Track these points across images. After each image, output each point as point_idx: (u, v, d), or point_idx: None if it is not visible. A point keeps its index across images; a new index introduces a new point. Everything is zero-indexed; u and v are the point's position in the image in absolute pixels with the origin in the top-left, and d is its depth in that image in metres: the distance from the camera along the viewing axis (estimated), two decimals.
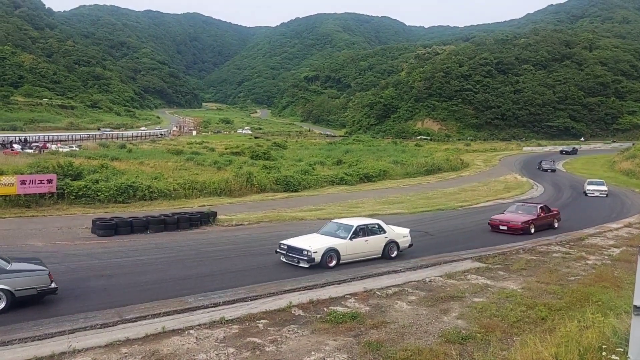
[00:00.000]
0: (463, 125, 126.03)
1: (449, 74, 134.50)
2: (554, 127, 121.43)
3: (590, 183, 38.58)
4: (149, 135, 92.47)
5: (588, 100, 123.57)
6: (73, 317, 9.84)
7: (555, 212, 23.71)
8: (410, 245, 16.97)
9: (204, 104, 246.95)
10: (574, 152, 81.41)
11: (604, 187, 37.44)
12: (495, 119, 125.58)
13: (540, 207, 22.98)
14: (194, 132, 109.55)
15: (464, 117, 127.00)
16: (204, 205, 24.79)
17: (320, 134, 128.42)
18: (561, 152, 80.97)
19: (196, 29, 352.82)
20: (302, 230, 19.94)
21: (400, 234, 16.92)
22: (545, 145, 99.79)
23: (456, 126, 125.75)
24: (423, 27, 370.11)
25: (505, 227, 21.17)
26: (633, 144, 78.85)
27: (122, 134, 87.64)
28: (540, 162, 57.49)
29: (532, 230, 21.20)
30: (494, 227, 21.72)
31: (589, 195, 36.61)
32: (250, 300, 11.43)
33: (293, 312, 10.74)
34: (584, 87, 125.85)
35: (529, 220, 21.48)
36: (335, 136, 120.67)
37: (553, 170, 55.96)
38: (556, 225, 23.13)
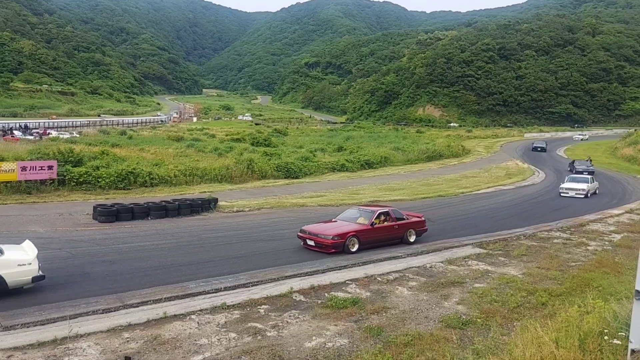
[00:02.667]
0: (465, 111, 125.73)
1: (451, 60, 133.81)
2: (556, 114, 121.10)
3: (572, 179, 31.69)
4: (150, 122, 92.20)
5: (590, 86, 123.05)
6: (75, 302, 9.86)
7: (411, 222, 16.80)
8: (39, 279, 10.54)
9: (204, 90, 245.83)
10: (542, 150, 64.53)
11: (584, 186, 29.98)
12: (497, 105, 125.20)
13: (383, 214, 16.06)
14: (195, 119, 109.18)
15: (465, 104, 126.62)
16: (204, 192, 24.78)
17: (321, 120, 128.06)
18: (534, 149, 65.20)
19: (196, 14, 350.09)
20: (304, 217, 19.98)
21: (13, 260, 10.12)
22: (547, 132, 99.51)
23: (458, 113, 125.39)
24: (425, 12, 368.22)
25: (312, 243, 14.90)
26: (635, 130, 78.60)
27: (123, 120, 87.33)
28: (573, 162, 43.81)
29: (354, 248, 14.82)
30: (304, 243, 15.35)
31: (562, 195, 29.75)
32: (252, 285, 11.46)
33: (294, 297, 10.78)
34: (587, 73, 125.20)
35: (347, 233, 14.87)
36: (336, 123, 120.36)
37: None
38: (412, 238, 16.46)
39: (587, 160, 44.62)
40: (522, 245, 16.53)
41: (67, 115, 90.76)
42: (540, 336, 6.89)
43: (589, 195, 29.73)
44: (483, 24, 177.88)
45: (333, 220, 16.27)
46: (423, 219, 17.27)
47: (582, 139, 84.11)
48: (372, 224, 15.48)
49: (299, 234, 15.45)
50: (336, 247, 14.54)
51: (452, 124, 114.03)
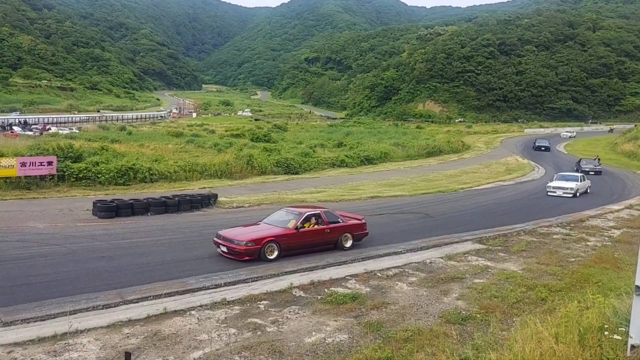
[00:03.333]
0: (465, 107, 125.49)
1: (451, 55, 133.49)
2: (556, 109, 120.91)
3: (561, 177, 30.17)
4: (149, 118, 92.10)
5: (591, 81, 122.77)
6: (75, 298, 9.88)
7: (347, 225, 14.99)
8: None
9: (203, 85, 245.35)
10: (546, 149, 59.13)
11: (572, 185, 28.44)
12: (497, 100, 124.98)
13: (313, 216, 14.36)
14: (194, 114, 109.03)
15: (465, 99, 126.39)
16: (204, 188, 24.78)
17: (321, 116, 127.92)
18: (537, 148, 59.36)
19: (195, 9, 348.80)
20: None
21: None
22: (547, 127, 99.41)
23: (458, 108, 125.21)
24: (425, 7, 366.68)
25: (225, 249, 13.36)
26: (635, 125, 78.60)
27: (122, 116, 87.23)
28: (579, 161, 41.38)
29: (272, 255, 13.26)
30: (219, 249, 13.73)
31: (549, 194, 28.28)
32: (252, 281, 11.48)
33: (294, 293, 10.80)
34: (587, 69, 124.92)
35: (265, 239, 13.25)
36: (336, 118, 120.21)
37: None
38: (348, 244, 14.79)
39: (595, 159, 41.99)
40: (521, 240, 16.54)
41: (66, 111, 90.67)
42: (539, 331, 6.90)
43: (577, 194, 28.20)
44: (483, 19, 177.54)
45: (258, 223, 14.67)
46: (363, 221, 15.50)
47: (570, 137, 77.42)
48: (297, 228, 13.78)
49: (214, 238, 13.72)
50: (250, 255, 12.97)
51: (460, 120, 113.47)
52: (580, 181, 29.38)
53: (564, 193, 27.93)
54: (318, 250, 14.27)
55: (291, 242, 13.67)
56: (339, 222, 14.85)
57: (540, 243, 16.35)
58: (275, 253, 13.36)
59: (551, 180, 30.29)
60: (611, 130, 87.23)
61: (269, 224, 14.26)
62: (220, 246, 13.46)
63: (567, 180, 29.30)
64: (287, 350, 7.96)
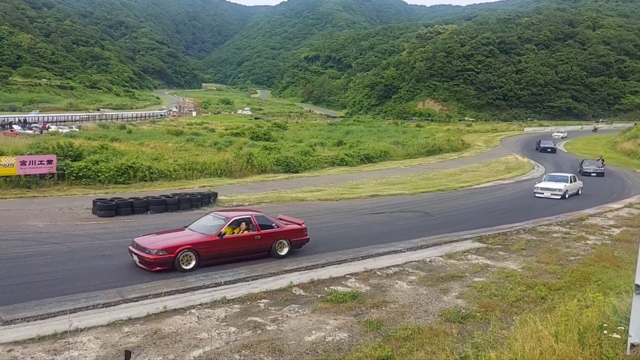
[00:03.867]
0: (464, 105, 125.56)
1: (451, 54, 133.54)
2: (555, 108, 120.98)
3: (550, 178, 28.97)
4: (149, 116, 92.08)
5: (590, 80, 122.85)
6: (75, 296, 9.89)
7: (282, 230, 13.76)
8: None
9: (203, 84, 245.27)
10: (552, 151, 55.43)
11: (560, 186, 27.09)
12: (496, 99, 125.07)
13: (241, 221, 13.24)
14: (194, 113, 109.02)
15: (465, 98, 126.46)
16: (204, 186, 24.78)
17: (321, 114, 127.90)
18: (543, 149, 55.28)
19: (195, 8, 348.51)
20: (304, 211, 19.99)
21: None
22: (547, 126, 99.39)
23: (457, 107, 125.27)
24: (425, 6, 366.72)
25: (137, 259, 12.17)
26: (635, 124, 78.55)
27: (122, 114, 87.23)
28: (582, 162, 39.75)
29: (189, 265, 12.05)
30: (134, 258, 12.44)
31: (537, 196, 27.12)
32: (251, 280, 11.48)
33: (294, 291, 10.80)
34: (587, 67, 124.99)
35: (180, 247, 12.05)
36: (335, 117, 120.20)
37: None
38: (284, 251, 13.69)
39: (598, 160, 40.30)
40: (521, 239, 16.55)
41: (66, 110, 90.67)
42: (539, 330, 6.90)
43: (567, 196, 26.91)
44: (483, 17, 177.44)
45: (183, 228, 13.46)
46: (303, 226, 14.28)
47: (562, 137, 72.28)
48: (220, 235, 12.54)
49: (129, 247, 12.45)
50: (162, 265, 11.75)
51: (466, 118, 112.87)
52: (570, 182, 28.09)
53: (551, 194, 26.75)
54: (248, 258, 13.06)
55: (213, 250, 12.43)
56: (272, 227, 13.61)
57: (540, 242, 16.36)
58: (193, 263, 12.11)
59: (539, 181, 29.18)
60: (595, 130, 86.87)
61: (192, 230, 13.12)
62: (134, 255, 12.15)
63: (556, 181, 28.05)
64: (287, 348, 7.97)
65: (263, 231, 13.34)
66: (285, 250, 13.73)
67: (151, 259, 11.72)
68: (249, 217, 13.40)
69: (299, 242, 14.11)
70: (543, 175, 31.30)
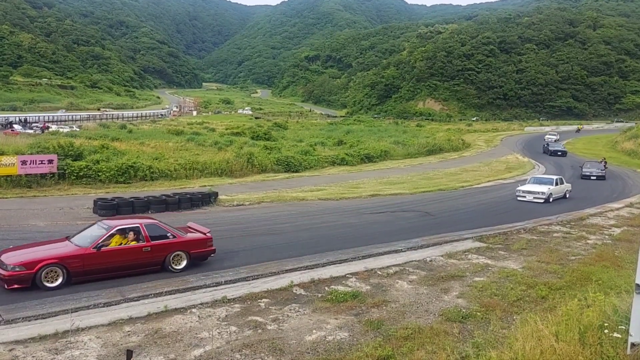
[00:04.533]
0: (465, 105, 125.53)
1: (451, 54, 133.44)
2: (556, 107, 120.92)
3: (535, 180, 27.16)
4: (149, 116, 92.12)
5: (591, 79, 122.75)
6: (76, 296, 9.91)
7: (179, 241, 12.15)
8: None
9: (204, 84, 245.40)
10: (563, 154, 51.18)
11: (544, 189, 25.29)
12: (497, 98, 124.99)
13: (128, 230, 11.67)
14: (195, 113, 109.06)
15: (465, 97, 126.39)
16: (205, 186, 24.79)
17: (321, 114, 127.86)
18: (552, 153, 51.42)
19: (196, 7, 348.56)
20: (304, 211, 19.99)
21: None
22: (548, 125, 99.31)
23: (458, 106, 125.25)
24: (425, 5, 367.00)
25: None
26: (636, 124, 78.42)
27: (122, 114, 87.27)
28: (583, 164, 37.59)
29: (55, 283, 10.46)
30: None
31: (519, 199, 25.34)
32: (252, 279, 11.49)
33: (294, 291, 10.81)
34: (587, 67, 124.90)
35: (43, 261, 10.43)
36: (336, 116, 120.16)
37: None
38: (182, 264, 12.06)
39: (601, 162, 37.92)
40: (522, 239, 16.55)
41: (66, 109, 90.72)
42: (540, 330, 6.90)
43: (551, 200, 25.23)
44: (484, 17, 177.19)
45: (63, 239, 11.80)
46: (208, 236, 12.76)
47: (555, 140, 64.19)
48: (97, 247, 10.98)
49: None
50: (19, 282, 10.21)
51: (474, 119, 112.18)
52: (556, 184, 26.22)
53: (534, 198, 25.02)
54: (137, 273, 11.43)
55: (87, 265, 10.81)
56: (167, 237, 12.02)
57: (540, 241, 16.36)
58: (60, 279, 10.52)
59: (523, 184, 27.18)
60: (578, 131, 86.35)
61: (71, 241, 11.43)
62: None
63: (540, 183, 26.23)
64: (287, 348, 7.98)
65: (154, 242, 11.72)
66: (183, 264, 12.06)
67: (6, 276, 10.14)
68: (138, 226, 11.75)
69: (200, 253, 12.48)
70: (528, 178, 29.81)
